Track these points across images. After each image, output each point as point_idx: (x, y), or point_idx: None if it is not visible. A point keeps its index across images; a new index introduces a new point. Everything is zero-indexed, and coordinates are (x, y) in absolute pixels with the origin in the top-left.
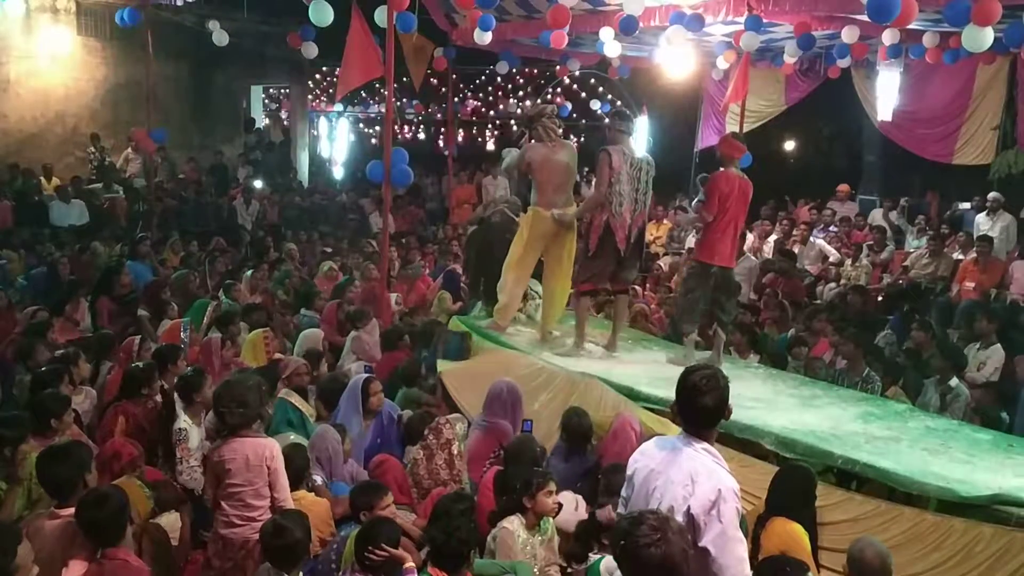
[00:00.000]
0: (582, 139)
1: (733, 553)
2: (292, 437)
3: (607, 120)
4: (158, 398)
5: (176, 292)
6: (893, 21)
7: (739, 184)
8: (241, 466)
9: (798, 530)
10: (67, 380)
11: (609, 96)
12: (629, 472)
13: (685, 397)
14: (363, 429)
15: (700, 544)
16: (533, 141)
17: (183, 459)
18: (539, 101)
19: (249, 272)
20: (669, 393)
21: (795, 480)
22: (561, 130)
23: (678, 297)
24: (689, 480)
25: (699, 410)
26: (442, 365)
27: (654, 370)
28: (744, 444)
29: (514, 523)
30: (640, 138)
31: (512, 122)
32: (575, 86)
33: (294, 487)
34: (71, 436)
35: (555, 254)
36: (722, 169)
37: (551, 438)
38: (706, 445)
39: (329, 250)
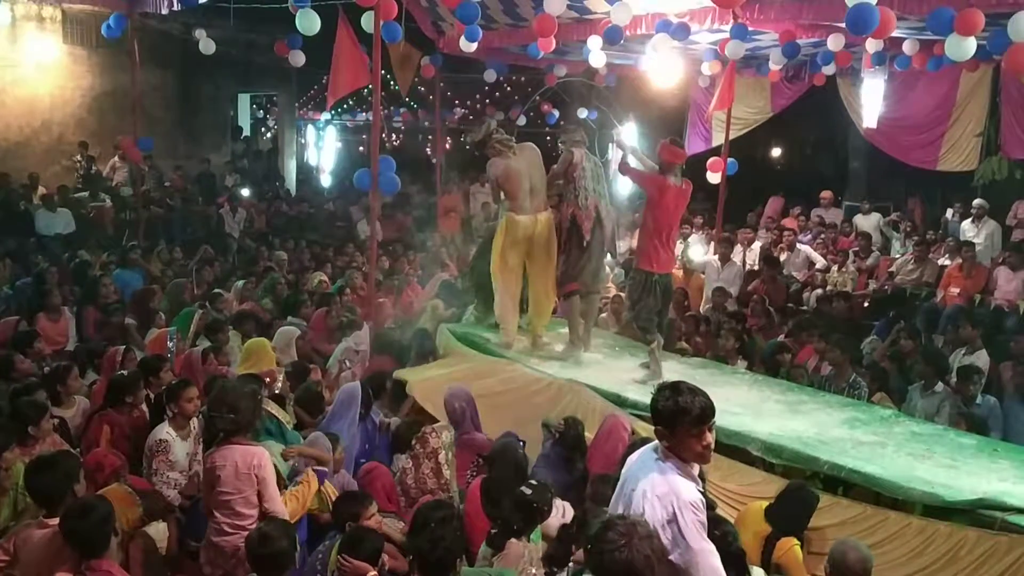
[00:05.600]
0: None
1: (704, 564)
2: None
3: (561, 135)
4: (144, 407)
5: (169, 299)
6: (872, 33)
7: (676, 192)
8: (230, 474)
9: (799, 552)
10: (55, 391)
11: (596, 104)
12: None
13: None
14: (353, 437)
15: (671, 558)
16: (492, 159)
17: (158, 470)
18: (486, 120)
19: (241, 282)
20: None
21: (806, 502)
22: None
23: (628, 310)
24: (650, 491)
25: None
26: (409, 374)
27: (641, 376)
28: (731, 450)
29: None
30: (631, 143)
31: (466, 144)
32: (562, 94)
33: None
34: (51, 444)
35: (538, 261)
36: (660, 175)
37: (536, 443)
38: (676, 461)
39: (311, 258)
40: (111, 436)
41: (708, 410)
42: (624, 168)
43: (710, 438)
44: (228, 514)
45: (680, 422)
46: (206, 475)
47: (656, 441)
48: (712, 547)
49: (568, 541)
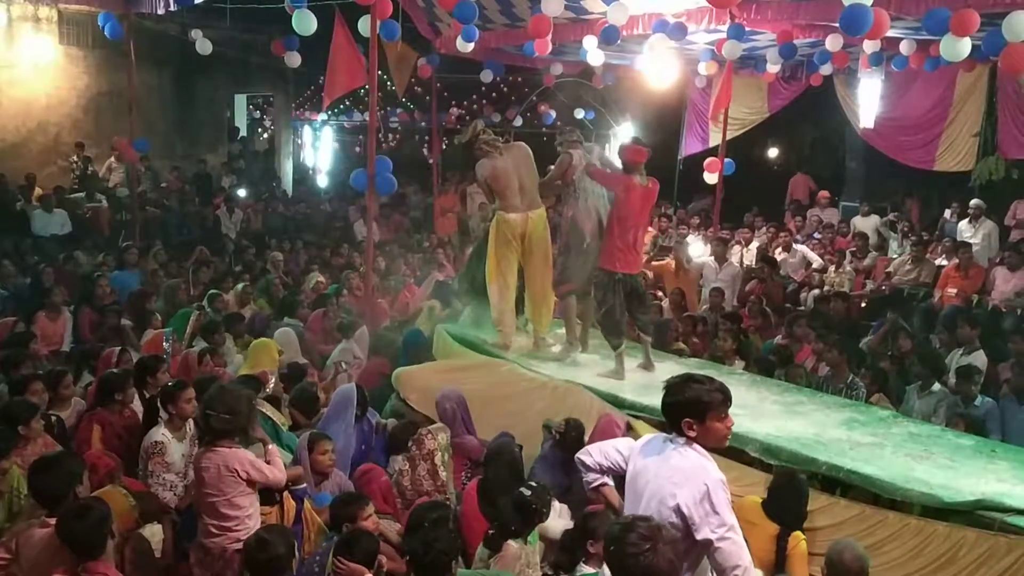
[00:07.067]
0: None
1: (734, 540)
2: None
3: (558, 136)
4: (136, 406)
5: (165, 300)
6: (866, 33)
7: (641, 192)
8: (213, 476)
9: (804, 548)
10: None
11: (592, 104)
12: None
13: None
14: (349, 439)
15: (699, 538)
16: (480, 160)
17: (154, 472)
18: (474, 122)
19: (241, 286)
20: (653, 401)
21: (798, 490)
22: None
23: (594, 312)
24: (677, 476)
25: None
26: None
27: (638, 378)
28: (728, 451)
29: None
30: (599, 150)
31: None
32: (559, 94)
33: None
34: (43, 445)
35: (534, 260)
36: (625, 175)
37: (534, 445)
38: (697, 447)
39: (308, 259)
40: (102, 435)
41: (728, 392)
42: (590, 171)
43: (732, 421)
44: (213, 515)
45: (710, 408)
46: (194, 475)
47: (661, 434)
48: (738, 524)
49: (572, 548)
